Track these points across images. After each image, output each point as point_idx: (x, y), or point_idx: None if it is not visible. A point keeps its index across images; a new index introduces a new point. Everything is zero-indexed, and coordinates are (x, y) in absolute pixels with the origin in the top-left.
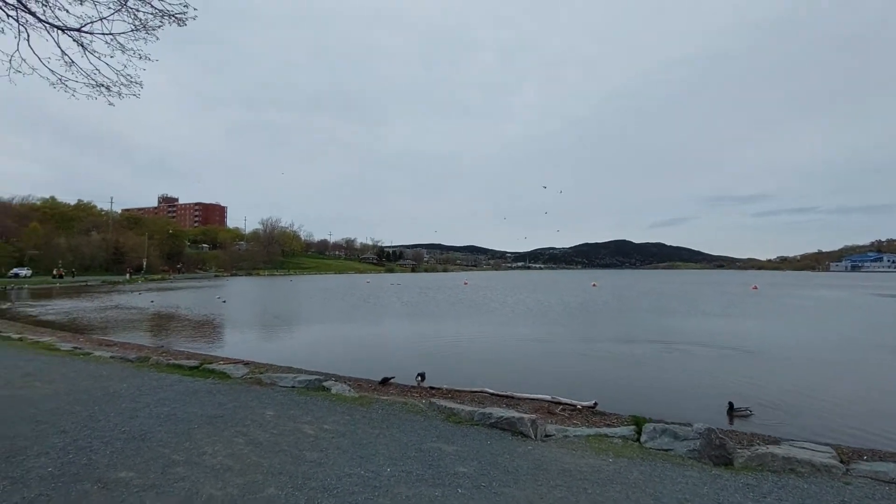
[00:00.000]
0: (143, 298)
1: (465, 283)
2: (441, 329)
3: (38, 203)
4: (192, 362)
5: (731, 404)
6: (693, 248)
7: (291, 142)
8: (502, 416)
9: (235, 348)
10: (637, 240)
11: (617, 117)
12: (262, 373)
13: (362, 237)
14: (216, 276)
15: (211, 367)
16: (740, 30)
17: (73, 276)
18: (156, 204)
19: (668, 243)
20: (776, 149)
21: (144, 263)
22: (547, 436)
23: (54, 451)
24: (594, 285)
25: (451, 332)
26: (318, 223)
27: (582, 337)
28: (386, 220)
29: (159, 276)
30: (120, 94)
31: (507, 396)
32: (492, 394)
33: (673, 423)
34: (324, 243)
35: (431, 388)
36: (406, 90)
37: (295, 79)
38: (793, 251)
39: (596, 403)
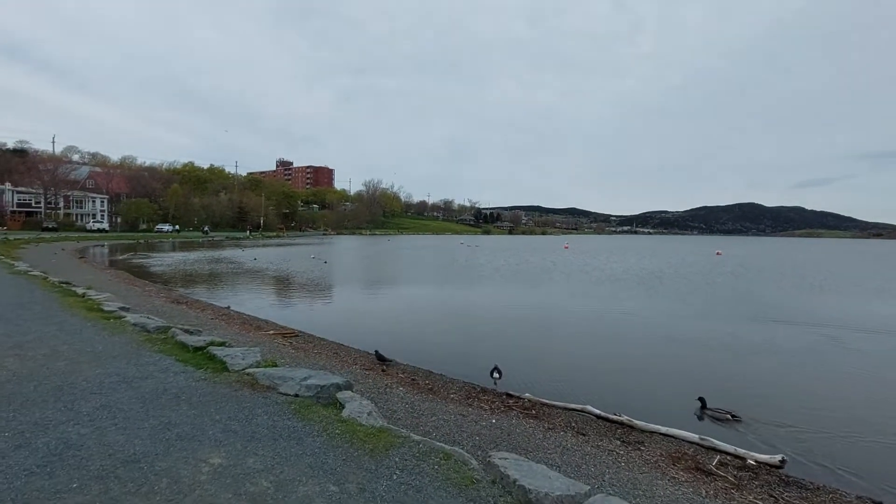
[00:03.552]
0: (247, 254)
1: (566, 247)
2: (530, 302)
3: (180, 167)
4: (201, 341)
5: (702, 401)
6: (842, 214)
7: (395, 105)
8: None
9: (297, 313)
10: (769, 203)
11: (752, 65)
12: (271, 365)
13: (460, 198)
14: (324, 234)
15: (217, 350)
16: None
17: (207, 234)
18: (274, 167)
19: (808, 207)
20: None
21: (262, 221)
22: None
23: None
24: (718, 254)
25: (542, 306)
26: (417, 184)
27: (710, 319)
28: (484, 181)
29: (275, 234)
30: None
31: (621, 424)
32: (598, 416)
33: None
34: (422, 204)
35: (508, 395)
36: (509, 48)
37: (399, 44)
38: None
39: (784, 460)
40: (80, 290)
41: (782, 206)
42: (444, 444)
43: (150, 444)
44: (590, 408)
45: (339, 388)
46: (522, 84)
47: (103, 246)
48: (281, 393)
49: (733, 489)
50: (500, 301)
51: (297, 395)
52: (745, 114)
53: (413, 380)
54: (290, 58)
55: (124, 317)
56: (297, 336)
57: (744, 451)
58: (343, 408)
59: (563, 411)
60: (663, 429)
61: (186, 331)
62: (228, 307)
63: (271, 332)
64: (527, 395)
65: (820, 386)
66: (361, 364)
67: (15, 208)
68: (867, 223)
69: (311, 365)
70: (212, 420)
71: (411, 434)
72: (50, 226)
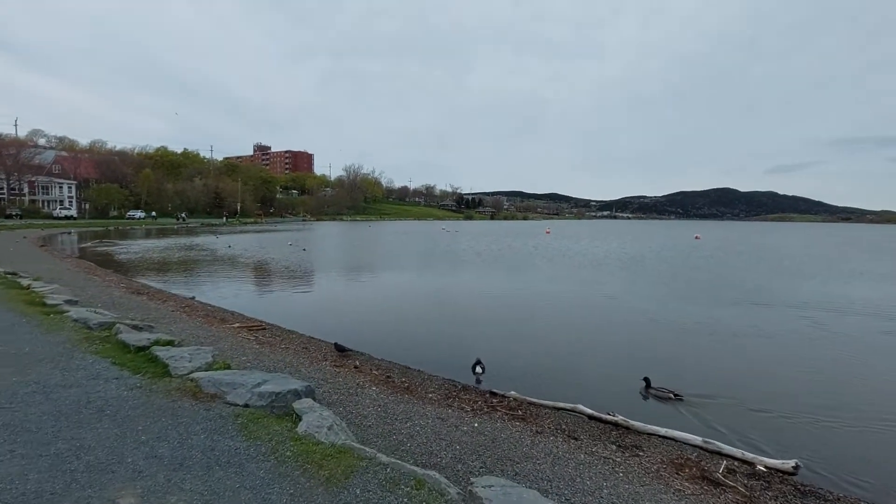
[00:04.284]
0: (222, 241)
1: (547, 232)
2: (513, 288)
3: (152, 152)
4: (146, 340)
5: (647, 381)
6: (812, 199)
7: (376, 90)
8: None
9: (268, 304)
10: (744, 188)
11: (733, 52)
12: (223, 368)
13: (442, 184)
14: (304, 220)
15: (160, 351)
16: None
17: (184, 221)
18: (251, 152)
19: (780, 192)
20: None
21: (239, 207)
22: None
23: None
24: (697, 238)
25: (525, 292)
26: (399, 170)
27: (692, 303)
28: (466, 166)
29: (252, 220)
30: None
31: (615, 425)
32: (590, 416)
33: None
34: (404, 190)
35: (492, 393)
36: (492, 31)
37: (381, 25)
38: None
39: (798, 466)
40: (25, 282)
41: (756, 191)
42: (415, 468)
43: (48, 478)
44: (581, 407)
45: (297, 395)
46: (506, 69)
47: (70, 233)
48: (228, 403)
49: (746, 502)
50: (482, 288)
51: (246, 406)
52: (723, 101)
53: (388, 377)
54: (269, 38)
55: (67, 311)
56: (264, 329)
57: (752, 455)
58: (300, 419)
59: (551, 411)
60: (662, 430)
61: (135, 327)
62: (193, 298)
63: (236, 325)
64: (512, 393)
65: (787, 368)
66: (332, 360)
67: None
68: (836, 207)
69: (274, 363)
70: (136, 441)
71: (378, 454)
72: (14, 213)
